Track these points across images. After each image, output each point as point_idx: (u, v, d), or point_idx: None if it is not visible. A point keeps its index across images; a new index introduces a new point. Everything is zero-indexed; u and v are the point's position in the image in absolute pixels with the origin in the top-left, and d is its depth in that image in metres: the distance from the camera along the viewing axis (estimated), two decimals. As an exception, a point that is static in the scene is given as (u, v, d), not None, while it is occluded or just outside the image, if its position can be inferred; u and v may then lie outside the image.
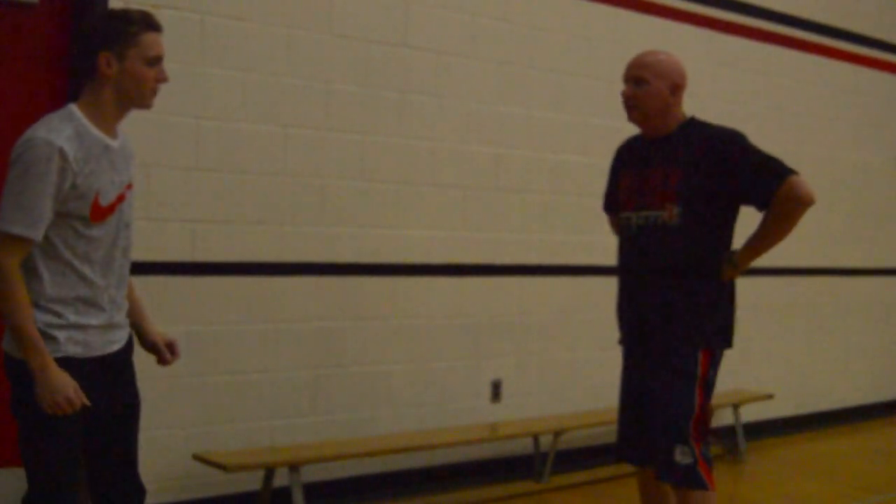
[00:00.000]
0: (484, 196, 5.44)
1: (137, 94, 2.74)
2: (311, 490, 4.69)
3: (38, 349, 2.62)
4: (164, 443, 4.39)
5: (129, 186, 2.83)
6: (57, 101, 4.09)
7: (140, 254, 4.26)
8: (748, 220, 3.49)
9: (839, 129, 7.47)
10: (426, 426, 5.24)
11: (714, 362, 3.47)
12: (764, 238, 3.45)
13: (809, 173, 3.68)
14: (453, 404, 5.37)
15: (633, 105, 3.53)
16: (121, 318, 2.84)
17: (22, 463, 2.74)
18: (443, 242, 5.28)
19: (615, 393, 3.71)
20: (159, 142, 4.32)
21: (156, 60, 2.73)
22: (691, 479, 3.37)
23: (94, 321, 2.73)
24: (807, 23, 7.12)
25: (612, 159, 3.80)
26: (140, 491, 2.94)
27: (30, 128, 2.66)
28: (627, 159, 3.68)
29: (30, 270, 2.66)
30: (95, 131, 2.70)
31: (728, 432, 6.36)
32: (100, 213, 2.70)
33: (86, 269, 2.71)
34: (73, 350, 2.70)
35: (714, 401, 3.70)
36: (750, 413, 6.69)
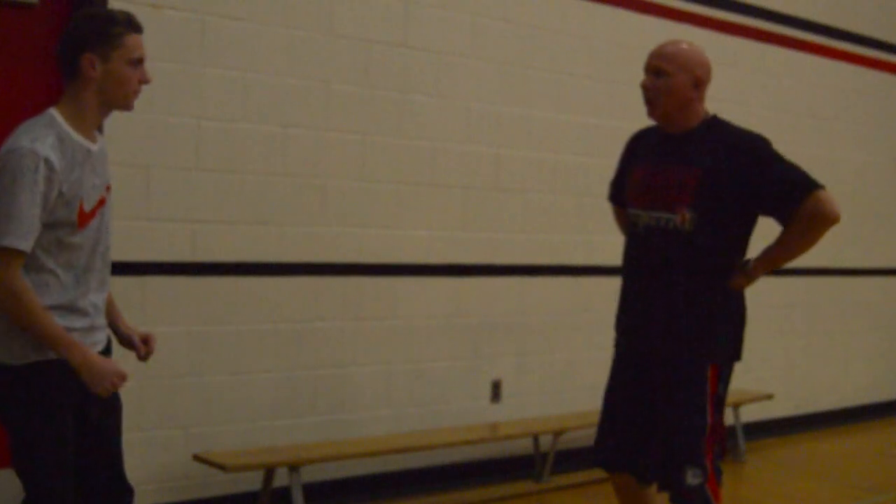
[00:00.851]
0: (484, 196, 5.44)
1: (120, 96, 2.72)
2: (311, 490, 4.69)
3: (72, 345, 2.62)
4: (164, 443, 4.39)
5: (108, 188, 2.81)
6: (57, 102, 4.09)
7: (140, 254, 4.28)
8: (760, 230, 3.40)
9: (839, 129, 7.47)
10: (426, 426, 5.24)
11: (723, 376, 3.33)
12: (782, 252, 3.29)
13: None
14: (453, 404, 5.38)
15: (652, 98, 3.32)
16: (101, 320, 2.84)
17: (16, 471, 2.73)
18: (443, 242, 5.28)
19: (615, 393, 3.68)
20: (159, 142, 4.32)
21: (138, 62, 2.71)
22: (699, 500, 3.25)
23: (77, 324, 2.72)
24: (807, 23, 7.12)
25: (624, 148, 3.61)
26: (128, 491, 2.93)
27: (11, 135, 2.62)
28: (641, 152, 3.47)
29: None
30: (76, 136, 2.67)
31: (728, 432, 6.35)
32: (84, 219, 2.68)
33: (68, 277, 2.69)
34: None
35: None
36: (750, 413, 6.69)
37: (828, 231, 3.23)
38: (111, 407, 2.89)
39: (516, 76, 5.54)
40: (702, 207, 3.21)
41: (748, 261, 3.33)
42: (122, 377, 2.67)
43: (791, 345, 7.23)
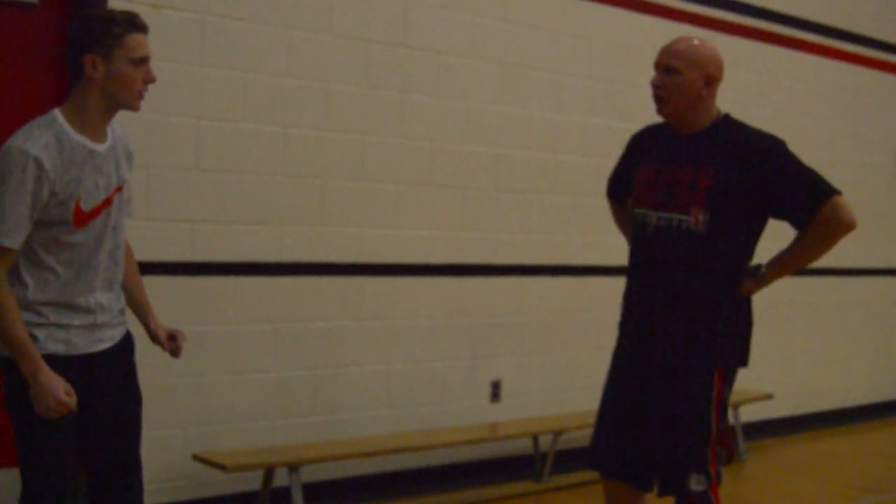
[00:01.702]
0: (484, 196, 5.44)
1: (125, 96, 2.72)
2: (311, 490, 4.69)
3: (29, 354, 2.63)
4: (164, 443, 4.39)
5: (120, 189, 2.80)
6: (57, 102, 4.07)
7: (140, 254, 4.26)
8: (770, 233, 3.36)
9: (839, 129, 7.47)
10: (426, 426, 5.24)
11: (728, 381, 3.27)
12: (796, 258, 3.24)
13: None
14: (453, 404, 5.38)
15: (662, 96, 3.22)
16: (109, 318, 2.83)
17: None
18: (443, 242, 5.28)
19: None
20: (159, 142, 4.32)
21: (142, 61, 2.71)
22: None
23: (76, 322, 2.74)
24: (807, 23, 7.12)
25: (629, 145, 3.51)
26: (138, 491, 2.94)
27: (12, 135, 2.65)
28: (649, 150, 3.36)
29: (14, 277, 2.66)
30: (77, 136, 2.68)
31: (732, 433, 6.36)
32: (82, 219, 2.69)
33: (69, 274, 2.71)
34: (55, 348, 2.71)
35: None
36: (749, 413, 6.69)
37: (843, 238, 3.18)
38: (126, 404, 2.90)
39: (516, 76, 5.54)
40: (715, 208, 3.13)
41: (759, 266, 3.26)
42: (63, 405, 2.64)
43: (791, 345, 7.23)
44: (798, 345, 7.30)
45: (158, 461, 4.37)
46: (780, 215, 3.21)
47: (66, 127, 2.67)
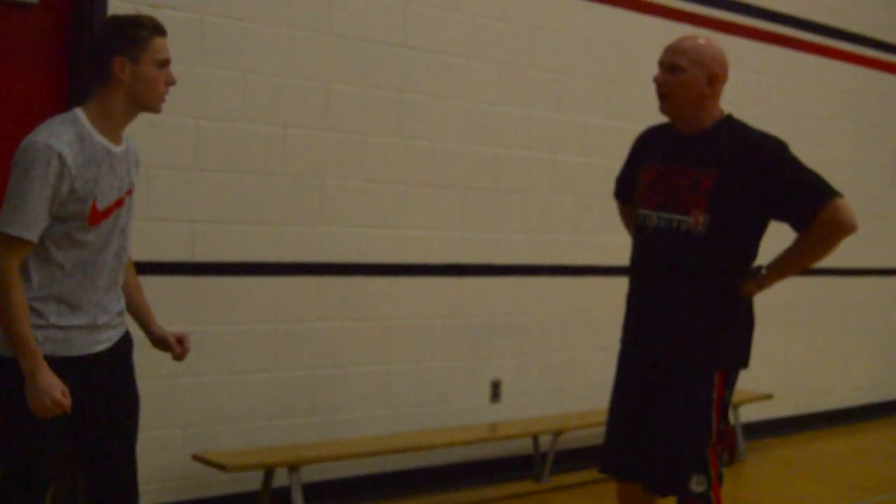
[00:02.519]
0: (484, 196, 5.44)
1: (149, 98, 2.79)
2: (311, 490, 4.69)
3: (31, 352, 2.65)
4: (163, 443, 4.39)
5: (129, 192, 2.86)
6: (57, 101, 4.10)
7: (140, 254, 4.28)
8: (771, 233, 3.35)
9: (839, 129, 7.47)
10: (426, 426, 5.24)
11: (729, 383, 3.27)
12: (796, 260, 3.25)
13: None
14: (453, 404, 5.38)
15: (666, 94, 3.21)
16: (108, 319, 2.85)
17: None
18: (443, 242, 5.28)
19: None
20: (159, 142, 4.32)
21: (165, 63, 2.79)
22: None
23: (75, 322, 2.76)
24: (807, 23, 7.12)
25: (634, 145, 3.51)
26: (133, 494, 2.95)
27: (33, 131, 2.70)
28: (653, 150, 3.36)
29: (21, 272, 2.68)
30: (98, 136, 2.73)
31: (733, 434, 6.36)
32: (97, 217, 2.73)
33: (75, 273, 2.74)
34: (52, 348, 2.72)
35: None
36: (749, 413, 6.69)
37: (843, 240, 3.18)
38: (124, 404, 2.92)
39: (516, 76, 5.54)
40: (716, 210, 3.13)
41: (759, 267, 3.26)
42: (59, 405, 2.65)
43: (791, 345, 7.23)
44: (798, 345, 7.30)
45: (158, 461, 4.37)
46: (780, 217, 3.20)
47: (88, 126, 2.73)
